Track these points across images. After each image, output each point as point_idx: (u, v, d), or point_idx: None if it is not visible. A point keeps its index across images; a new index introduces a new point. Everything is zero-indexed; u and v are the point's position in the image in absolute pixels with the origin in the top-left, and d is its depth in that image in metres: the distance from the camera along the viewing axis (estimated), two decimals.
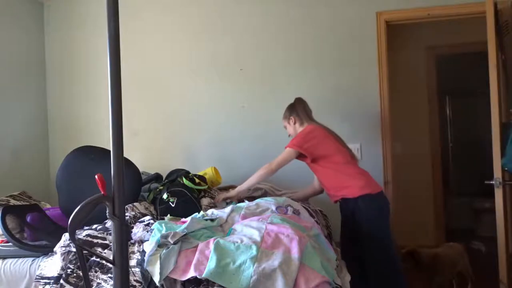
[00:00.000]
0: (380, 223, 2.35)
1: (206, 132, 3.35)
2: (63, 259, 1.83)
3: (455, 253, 2.88)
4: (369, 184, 2.39)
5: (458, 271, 2.90)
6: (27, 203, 2.73)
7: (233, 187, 3.00)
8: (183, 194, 2.40)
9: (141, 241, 1.87)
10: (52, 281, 1.79)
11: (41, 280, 1.83)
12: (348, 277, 1.97)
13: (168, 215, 2.24)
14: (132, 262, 1.74)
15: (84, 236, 1.93)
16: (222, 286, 1.57)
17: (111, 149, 1.06)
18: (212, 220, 2.00)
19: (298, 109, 2.64)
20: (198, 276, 1.60)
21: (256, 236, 1.75)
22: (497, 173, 2.62)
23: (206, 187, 2.60)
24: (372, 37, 3.11)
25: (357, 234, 2.38)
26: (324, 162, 2.46)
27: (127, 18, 3.36)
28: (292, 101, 2.90)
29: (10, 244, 2.10)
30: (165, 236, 1.75)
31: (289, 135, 2.70)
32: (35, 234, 2.25)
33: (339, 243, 2.83)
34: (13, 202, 2.69)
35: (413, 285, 3.16)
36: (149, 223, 2.04)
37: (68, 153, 2.55)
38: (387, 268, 2.33)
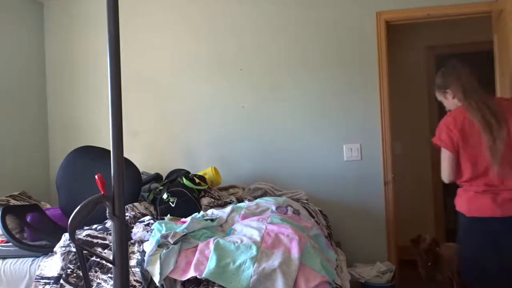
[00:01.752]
0: (464, 247, 2.22)
1: (206, 132, 3.34)
2: (63, 259, 1.83)
3: (453, 253, 2.89)
4: (465, 203, 2.14)
5: (457, 271, 2.91)
6: (27, 203, 2.73)
7: (233, 187, 3.00)
8: (183, 194, 2.40)
9: (141, 241, 1.88)
10: (52, 281, 1.80)
11: (41, 280, 1.83)
12: (347, 277, 1.97)
13: (168, 215, 2.24)
14: (132, 262, 1.74)
15: (84, 236, 1.94)
16: (222, 286, 1.57)
17: (111, 149, 1.06)
18: (212, 220, 2.01)
19: (453, 81, 2.15)
20: (198, 276, 1.60)
21: (256, 236, 1.75)
22: None
23: (206, 187, 2.60)
24: (372, 37, 3.11)
25: None
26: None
27: (127, 17, 3.36)
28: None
29: (10, 244, 2.10)
30: (165, 236, 1.75)
31: (448, 110, 2.25)
32: (35, 234, 2.25)
33: (339, 243, 2.84)
34: (13, 202, 2.69)
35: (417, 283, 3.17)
36: (149, 223, 2.04)
37: (68, 153, 2.55)
38: None
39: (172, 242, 1.73)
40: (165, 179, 2.85)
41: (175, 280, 1.65)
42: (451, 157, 2.10)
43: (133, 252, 1.81)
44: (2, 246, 2.13)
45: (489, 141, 2.00)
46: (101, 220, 2.13)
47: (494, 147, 1.99)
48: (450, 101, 2.20)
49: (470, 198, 2.12)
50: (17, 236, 2.21)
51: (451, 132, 2.08)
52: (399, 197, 3.57)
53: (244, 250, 1.66)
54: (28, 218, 2.31)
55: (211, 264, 1.61)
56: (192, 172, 2.80)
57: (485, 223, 2.05)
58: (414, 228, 3.96)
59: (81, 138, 3.44)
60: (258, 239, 1.72)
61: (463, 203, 2.16)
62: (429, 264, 2.69)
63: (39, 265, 1.93)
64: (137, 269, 1.70)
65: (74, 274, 1.78)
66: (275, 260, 1.60)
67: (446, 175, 2.14)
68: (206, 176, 2.77)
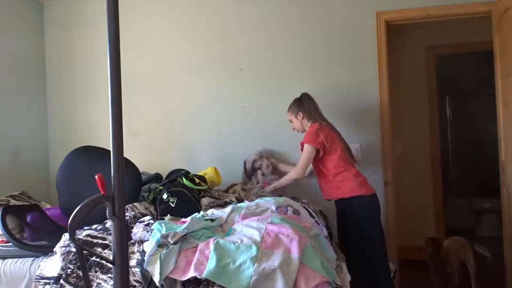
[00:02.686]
0: (369, 221, 2.57)
1: (206, 132, 3.34)
2: (63, 259, 1.83)
3: (459, 245, 2.91)
4: (362, 186, 2.58)
5: (462, 263, 2.92)
6: (27, 203, 2.73)
7: (234, 187, 3.00)
8: (183, 194, 2.40)
9: (141, 241, 1.88)
10: (52, 281, 1.79)
11: (41, 280, 1.83)
12: (348, 277, 1.97)
13: (168, 215, 2.24)
14: (132, 262, 1.74)
15: (84, 236, 1.93)
16: (222, 286, 1.57)
17: (111, 149, 1.06)
18: (212, 220, 2.00)
19: (306, 104, 2.75)
20: (198, 276, 1.60)
21: (256, 236, 1.75)
22: None
23: (206, 187, 2.60)
24: (372, 37, 3.11)
25: (348, 228, 2.64)
26: (327, 160, 2.63)
27: (127, 18, 3.36)
28: (290, 100, 2.91)
29: (10, 244, 2.10)
30: (165, 236, 1.75)
31: (293, 129, 2.85)
32: (35, 234, 2.24)
33: (338, 242, 2.84)
34: (13, 202, 2.69)
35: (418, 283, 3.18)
36: (149, 223, 2.04)
37: (68, 153, 2.55)
38: (374, 261, 2.54)
39: (172, 242, 1.73)
40: (165, 179, 2.85)
41: (175, 280, 1.64)
42: (314, 154, 2.62)
43: (133, 252, 1.80)
44: (2, 246, 2.13)
45: (345, 146, 2.66)
46: (101, 220, 2.13)
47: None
48: (299, 121, 2.76)
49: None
50: (17, 236, 2.21)
51: (320, 136, 2.59)
52: (399, 197, 3.57)
53: (244, 250, 1.66)
54: (28, 218, 2.31)
55: (211, 264, 1.61)
56: (192, 172, 2.80)
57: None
58: (414, 228, 3.97)
59: (81, 138, 3.44)
60: (258, 239, 1.72)
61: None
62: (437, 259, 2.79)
63: (39, 265, 1.92)
64: (137, 269, 1.70)
65: (74, 274, 1.78)
66: (275, 260, 1.60)
67: (305, 168, 2.69)
68: (206, 176, 2.77)
